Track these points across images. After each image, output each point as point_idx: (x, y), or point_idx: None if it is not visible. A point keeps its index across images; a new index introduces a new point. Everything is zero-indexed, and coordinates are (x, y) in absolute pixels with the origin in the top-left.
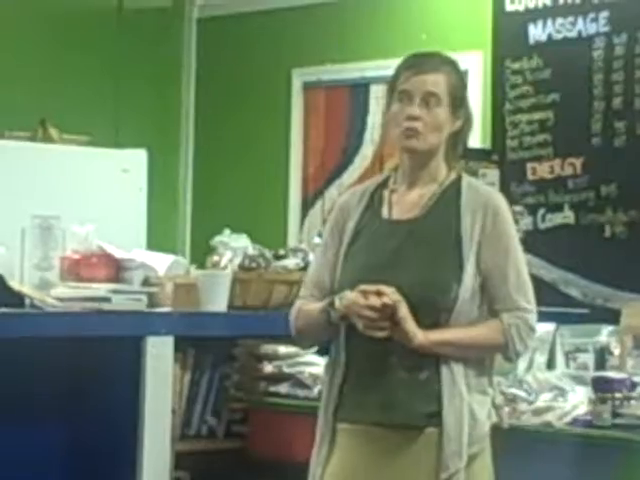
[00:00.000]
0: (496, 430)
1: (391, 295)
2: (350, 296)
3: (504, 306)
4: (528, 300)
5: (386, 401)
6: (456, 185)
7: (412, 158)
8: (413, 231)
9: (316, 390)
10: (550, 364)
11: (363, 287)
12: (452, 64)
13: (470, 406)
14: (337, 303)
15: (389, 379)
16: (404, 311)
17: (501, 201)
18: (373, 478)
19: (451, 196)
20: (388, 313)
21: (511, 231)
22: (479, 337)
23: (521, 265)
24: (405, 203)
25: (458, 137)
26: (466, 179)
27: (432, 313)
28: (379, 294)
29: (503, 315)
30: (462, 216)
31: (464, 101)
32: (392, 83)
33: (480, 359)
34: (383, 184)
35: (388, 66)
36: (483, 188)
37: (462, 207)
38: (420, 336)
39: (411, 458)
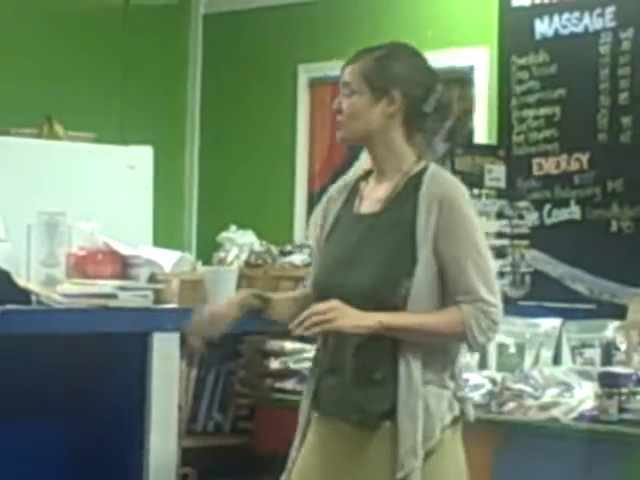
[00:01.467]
0: (464, 423)
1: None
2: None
3: (463, 297)
4: (490, 292)
5: (342, 399)
6: (420, 176)
7: (367, 151)
8: (371, 226)
9: None
10: (556, 359)
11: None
12: (376, 52)
13: (426, 402)
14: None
15: (346, 377)
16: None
17: (458, 192)
18: (334, 468)
19: (411, 188)
20: (329, 317)
21: (468, 222)
22: (437, 324)
23: (481, 257)
24: (372, 197)
25: (409, 121)
26: (431, 169)
27: (382, 309)
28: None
29: (462, 306)
30: (418, 209)
31: (398, 84)
32: None
33: (442, 352)
34: (365, 177)
35: None
36: (443, 179)
37: (419, 199)
38: (371, 323)
39: (369, 454)
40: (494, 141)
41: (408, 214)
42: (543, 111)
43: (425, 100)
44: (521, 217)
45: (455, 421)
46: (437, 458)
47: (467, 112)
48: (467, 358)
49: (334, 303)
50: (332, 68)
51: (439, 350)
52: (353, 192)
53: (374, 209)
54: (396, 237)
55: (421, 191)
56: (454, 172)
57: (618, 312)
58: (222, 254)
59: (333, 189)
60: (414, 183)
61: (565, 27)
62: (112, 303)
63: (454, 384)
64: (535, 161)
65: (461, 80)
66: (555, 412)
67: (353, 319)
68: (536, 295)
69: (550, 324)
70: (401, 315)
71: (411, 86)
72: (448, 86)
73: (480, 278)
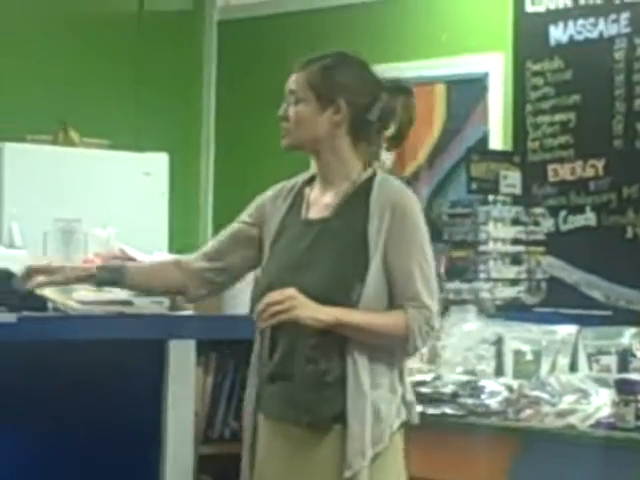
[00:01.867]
0: (408, 427)
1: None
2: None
3: (408, 302)
4: (432, 298)
5: (293, 400)
6: (368, 183)
7: (313, 158)
8: (323, 231)
9: None
10: (573, 366)
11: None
12: (322, 60)
13: (375, 406)
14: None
15: (297, 379)
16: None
17: (410, 200)
18: (281, 472)
19: (362, 195)
20: (286, 306)
21: (417, 230)
22: (385, 325)
23: (426, 264)
24: (320, 203)
25: (355, 130)
26: (379, 177)
27: None
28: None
29: (408, 310)
30: (370, 215)
31: (344, 93)
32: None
33: (389, 356)
34: (309, 182)
35: (409, 68)
36: (393, 187)
37: (371, 206)
38: (327, 317)
39: (317, 455)
40: (509, 147)
41: (359, 220)
42: (558, 117)
43: (370, 109)
44: (537, 223)
45: (402, 425)
46: (383, 460)
47: (410, 121)
48: (483, 365)
49: (291, 291)
50: None
51: (386, 353)
52: (298, 198)
53: (323, 214)
54: (348, 242)
55: (372, 197)
56: (470, 179)
57: (634, 318)
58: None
59: (274, 193)
60: (364, 189)
61: (580, 33)
62: (128, 310)
63: (402, 388)
64: (550, 167)
65: (405, 89)
66: (572, 419)
67: (311, 310)
68: (552, 302)
69: (566, 331)
70: (354, 312)
71: (356, 95)
72: (392, 95)
73: (425, 285)
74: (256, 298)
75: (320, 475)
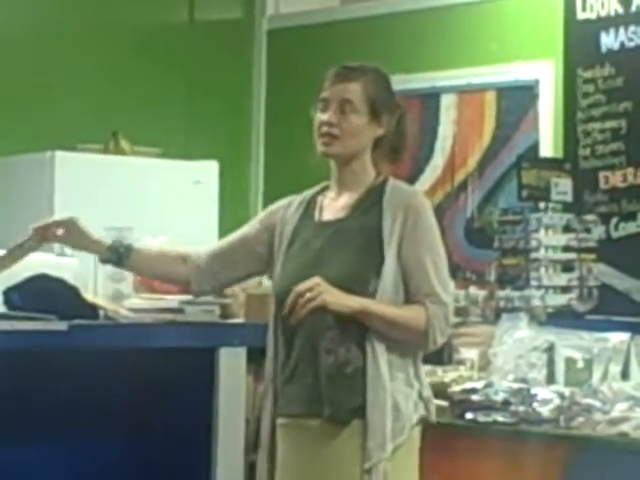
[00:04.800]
0: (426, 424)
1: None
2: None
3: (427, 297)
4: (447, 295)
5: (314, 395)
6: (381, 187)
7: (337, 163)
8: (338, 230)
9: None
10: (625, 374)
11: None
12: (375, 74)
13: (394, 399)
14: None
15: (317, 373)
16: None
17: (423, 201)
18: (303, 467)
19: (375, 197)
20: (314, 294)
21: (432, 230)
22: (407, 318)
23: (441, 262)
24: (334, 206)
25: (384, 143)
26: (391, 181)
27: None
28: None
29: (428, 305)
30: (384, 214)
31: (387, 109)
32: (318, 93)
33: (405, 350)
34: (320, 192)
35: (459, 76)
36: (406, 189)
37: (384, 206)
38: (354, 304)
39: (338, 448)
40: (560, 155)
41: (374, 220)
42: (609, 124)
43: (399, 125)
44: (588, 231)
45: (421, 421)
46: (402, 453)
47: (404, 135)
48: (534, 373)
49: (316, 279)
50: (397, 82)
51: (402, 347)
52: (311, 205)
53: (338, 216)
54: (363, 239)
55: (385, 198)
56: (520, 186)
57: None
58: None
59: (286, 202)
60: (377, 192)
61: (631, 40)
62: (179, 318)
63: (418, 384)
64: (602, 174)
65: (401, 105)
66: (624, 427)
67: (337, 297)
68: (604, 309)
69: (618, 338)
70: (379, 303)
71: (393, 111)
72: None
73: (440, 281)
74: (278, 300)
75: (340, 467)
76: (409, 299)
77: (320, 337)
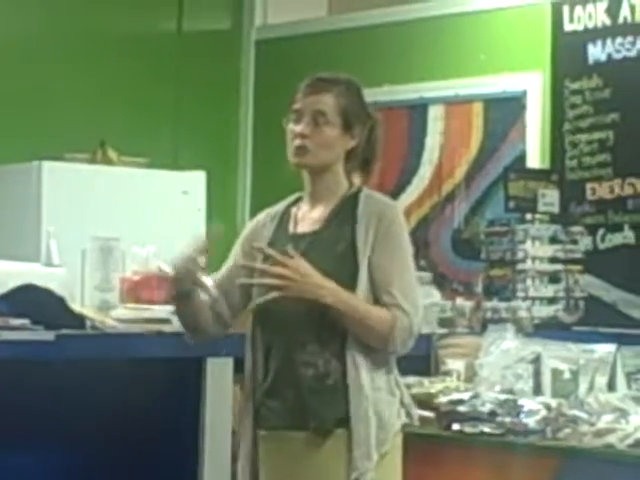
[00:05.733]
0: (408, 430)
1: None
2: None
3: (391, 306)
4: (411, 304)
5: (296, 407)
6: (355, 197)
7: (309, 174)
8: (313, 242)
9: None
10: (611, 385)
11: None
12: (348, 85)
13: (377, 408)
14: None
15: (298, 386)
16: (305, 265)
17: (396, 210)
18: (288, 477)
19: (349, 208)
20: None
21: (402, 239)
22: (375, 318)
23: (407, 272)
24: (308, 218)
25: (356, 154)
26: (365, 192)
27: (329, 316)
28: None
29: (392, 309)
30: (357, 224)
31: (359, 121)
32: (290, 103)
33: (383, 358)
34: (294, 203)
35: (446, 87)
36: (379, 199)
37: (358, 216)
38: (327, 301)
39: (323, 459)
40: (547, 166)
41: (348, 230)
42: (596, 135)
43: (371, 136)
44: (575, 242)
45: (403, 427)
46: (388, 462)
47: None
48: (521, 384)
49: (302, 267)
50: (384, 93)
51: (381, 356)
52: (284, 217)
53: (314, 228)
54: (338, 250)
55: (359, 209)
56: (507, 197)
57: None
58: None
59: (261, 217)
60: (350, 203)
61: (618, 51)
62: (166, 328)
63: (399, 391)
64: (589, 186)
65: (375, 115)
66: (611, 438)
67: (311, 291)
68: (590, 320)
69: (605, 350)
70: (353, 299)
71: (365, 123)
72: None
73: (406, 292)
74: (255, 314)
75: (327, 478)
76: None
77: (298, 350)
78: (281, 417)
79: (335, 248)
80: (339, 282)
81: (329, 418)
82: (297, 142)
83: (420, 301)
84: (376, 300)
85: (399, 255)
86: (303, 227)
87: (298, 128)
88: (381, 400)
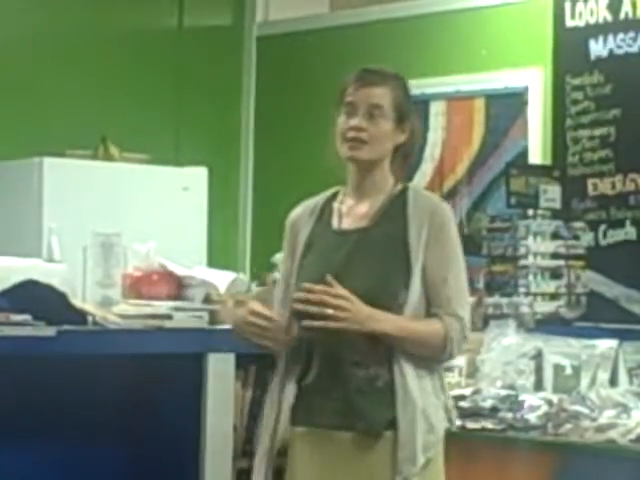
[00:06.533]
0: (449, 434)
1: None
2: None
3: (443, 310)
4: (464, 309)
5: (346, 408)
6: (403, 195)
7: (358, 168)
8: (362, 240)
9: None
10: (613, 381)
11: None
12: (399, 79)
13: (425, 412)
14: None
15: (348, 387)
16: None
17: (447, 210)
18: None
19: (398, 205)
20: (340, 316)
21: (455, 240)
22: (423, 333)
23: (461, 274)
24: (354, 214)
25: (403, 150)
26: (412, 189)
27: None
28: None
29: (445, 318)
30: (409, 224)
31: (409, 115)
32: (340, 96)
33: (430, 362)
34: (333, 198)
35: (448, 83)
36: (429, 196)
37: (409, 215)
38: (376, 329)
39: (367, 461)
40: (549, 162)
41: (398, 229)
42: (598, 131)
43: (416, 132)
44: (576, 238)
45: (446, 432)
46: (433, 466)
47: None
48: (522, 380)
49: (348, 305)
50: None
51: (427, 360)
52: (325, 211)
53: (360, 225)
54: (389, 250)
55: (409, 207)
56: (509, 193)
57: None
58: (276, 275)
59: (297, 212)
60: (399, 200)
61: (620, 47)
62: (167, 324)
63: (444, 395)
64: (590, 182)
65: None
66: (612, 433)
67: (361, 322)
68: (592, 316)
69: (606, 345)
70: (399, 324)
71: (414, 118)
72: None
73: (459, 294)
74: (294, 311)
75: None
76: (427, 310)
77: (348, 349)
78: (326, 416)
79: (386, 247)
80: (391, 284)
81: (378, 420)
82: (352, 134)
83: (469, 299)
84: (427, 301)
85: (452, 255)
86: (348, 223)
87: (353, 121)
88: (429, 404)
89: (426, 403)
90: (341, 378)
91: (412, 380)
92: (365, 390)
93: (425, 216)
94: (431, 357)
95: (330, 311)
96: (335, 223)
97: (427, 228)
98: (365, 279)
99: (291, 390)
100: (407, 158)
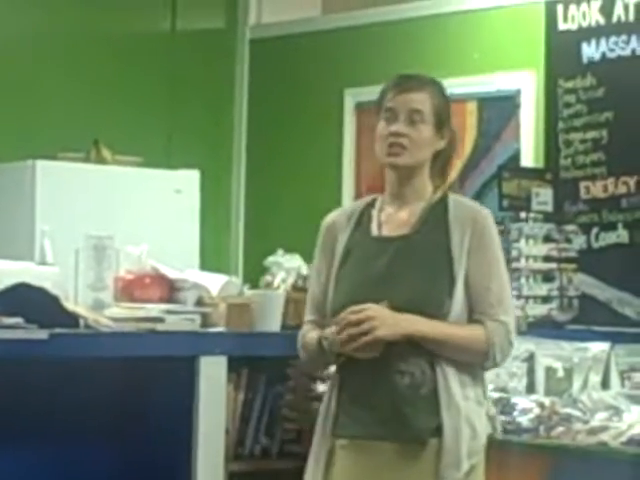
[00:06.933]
0: (491, 441)
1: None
2: (331, 334)
3: (487, 316)
4: (508, 315)
5: (391, 417)
6: (443, 202)
7: (398, 175)
8: (404, 248)
9: None
10: (605, 383)
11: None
12: (437, 85)
13: (469, 418)
14: (325, 345)
15: (392, 395)
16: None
17: (488, 216)
18: None
19: (439, 213)
20: (366, 328)
21: (497, 246)
22: (466, 339)
23: (504, 280)
24: (394, 221)
25: (442, 156)
26: (452, 197)
27: None
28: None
29: (487, 323)
30: (451, 232)
31: (448, 121)
32: (379, 102)
33: (472, 369)
34: (371, 204)
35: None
36: (470, 204)
37: (450, 223)
38: (408, 332)
39: (414, 469)
40: (541, 164)
41: (441, 236)
42: (590, 134)
43: (455, 139)
44: (568, 241)
45: (488, 439)
46: (476, 474)
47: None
48: (514, 382)
49: (369, 312)
50: (377, 93)
51: (470, 367)
52: (364, 219)
53: (401, 232)
54: (432, 258)
55: (450, 214)
56: (501, 196)
57: None
58: (269, 278)
59: (333, 218)
60: (440, 208)
61: (612, 50)
62: (159, 327)
63: (486, 402)
64: (582, 184)
65: None
66: (604, 436)
67: (390, 327)
68: (584, 319)
69: (598, 348)
70: (436, 326)
71: (450, 123)
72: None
73: (502, 300)
74: (332, 317)
75: None
76: (469, 316)
77: (392, 358)
78: (368, 426)
79: (428, 255)
80: (435, 293)
81: (423, 428)
82: (392, 140)
83: (513, 304)
84: (471, 309)
85: (494, 262)
86: (389, 230)
87: (394, 127)
88: (472, 410)
89: (469, 409)
90: (385, 387)
91: (455, 387)
92: (409, 398)
93: (467, 223)
94: (474, 363)
95: (354, 330)
96: (375, 230)
97: (469, 235)
98: (408, 288)
99: (334, 400)
100: (446, 165)
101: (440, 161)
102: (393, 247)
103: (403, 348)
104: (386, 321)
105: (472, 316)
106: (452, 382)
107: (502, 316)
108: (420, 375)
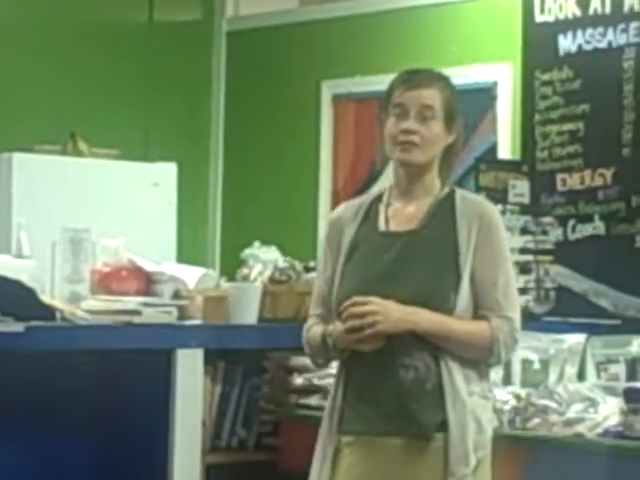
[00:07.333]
0: (497, 435)
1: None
2: (335, 330)
3: (492, 312)
4: (514, 311)
5: (396, 412)
6: (450, 198)
7: (408, 171)
8: (411, 243)
9: None
10: (581, 375)
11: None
12: (445, 80)
13: (474, 412)
14: (329, 342)
15: (397, 391)
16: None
17: (495, 211)
18: None
19: (446, 208)
20: (369, 321)
21: (504, 242)
22: (470, 334)
23: (510, 276)
24: (401, 216)
25: (451, 151)
26: (459, 192)
27: None
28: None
29: (493, 319)
30: (458, 227)
31: (457, 116)
32: (387, 98)
33: (477, 364)
34: (378, 199)
35: None
36: (477, 199)
37: (458, 218)
38: (410, 327)
39: (420, 464)
40: (518, 157)
41: (448, 231)
42: (567, 127)
43: (461, 132)
44: (545, 233)
45: (494, 432)
46: (484, 469)
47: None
48: (491, 374)
49: (372, 306)
50: (356, 84)
51: (475, 363)
52: (371, 213)
53: (409, 227)
54: (439, 253)
55: (457, 210)
56: (478, 188)
57: None
58: (246, 270)
59: (340, 212)
60: (447, 203)
61: (589, 43)
62: (136, 319)
63: (492, 396)
64: (559, 177)
65: None
66: (580, 428)
67: (393, 321)
68: (560, 311)
69: (574, 340)
70: (440, 321)
71: (459, 119)
72: None
73: (508, 296)
74: (337, 312)
75: None
76: (475, 311)
77: (396, 352)
78: (374, 423)
79: (436, 250)
80: (441, 287)
81: (429, 423)
82: (404, 137)
83: (518, 301)
84: (476, 305)
85: (501, 257)
86: (396, 225)
87: (405, 124)
88: (477, 404)
89: (475, 404)
90: (390, 382)
91: (460, 382)
92: (415, 393)
93: (474, 218)
94: (478, 359)
95: (357, 322)
96: (382, 225)
97: (476, 230)
98: (414, 282)
99: (339, 396)
100: (453, 159)
101: (447, 156)
102: (400, 242)
103: (407, 342)
104: (391, 315)
105: (477, 311)
106: (457, 377)
107: (508, 312)
108: (424, 369)
